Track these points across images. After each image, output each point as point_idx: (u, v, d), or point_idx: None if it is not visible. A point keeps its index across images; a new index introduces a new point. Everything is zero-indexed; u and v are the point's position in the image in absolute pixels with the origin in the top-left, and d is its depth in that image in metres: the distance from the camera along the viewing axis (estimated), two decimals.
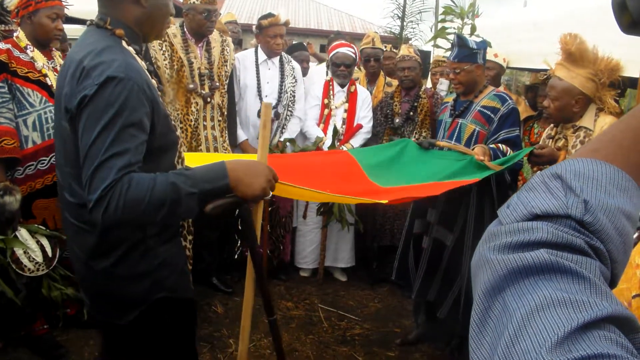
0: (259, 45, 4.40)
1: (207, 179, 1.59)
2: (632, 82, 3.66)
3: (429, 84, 5.40)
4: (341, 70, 4.43)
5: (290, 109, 4.38)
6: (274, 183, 1.77)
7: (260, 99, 4.28)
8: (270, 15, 4.28)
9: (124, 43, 1.70)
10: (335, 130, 4.24)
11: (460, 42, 3.16)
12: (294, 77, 4.42)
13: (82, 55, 1.58)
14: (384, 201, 2.49)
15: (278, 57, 4.40)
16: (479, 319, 0.58)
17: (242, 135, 4.31)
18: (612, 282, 0.61)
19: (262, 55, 4.36)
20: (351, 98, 4.45)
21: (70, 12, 3.47)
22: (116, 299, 1.77)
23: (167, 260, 1.80)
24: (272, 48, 4.27)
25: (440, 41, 5.13)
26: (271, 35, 4.24)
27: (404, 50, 4.41)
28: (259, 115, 4.21)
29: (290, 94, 4.35)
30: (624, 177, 0.63)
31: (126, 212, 1.47)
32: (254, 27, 4.41)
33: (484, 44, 3.28)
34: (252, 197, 1.70)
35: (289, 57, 4.58)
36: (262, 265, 1.96)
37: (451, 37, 5.02)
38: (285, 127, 4.37)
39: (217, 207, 1.61)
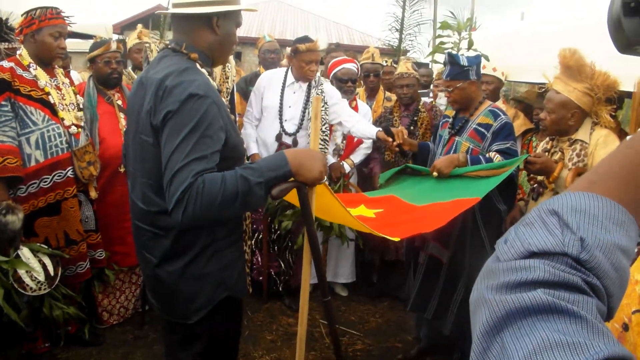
0: (291, 67, 4.18)
1: (270, 168, 1.79)
2: (629, 95, 3.68)
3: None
4: (348, 87, 4.40)
5: (323, 136, 4.09)
6: (327, 167, 1.96)
7: (281, 122, 4.11)
8: (307, 39, 4.03)
9: (197, 65, 1.91)
10: None
11: (452, 60, 3.20)
12: (324, 102, 4.09)
13: (162, 76, 1.80)
14: (396, 238, 2.53)
15: (307, 82, 4.16)
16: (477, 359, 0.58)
17: (253, 148, 4.20)
18: (609, 315, 0.61)
19: (290, 78, 4.16)
20: None
21: (74, 27, 3.51)
22: (186, 299, 1.94)
23: (231, 262, 2.01)
24: (306, 74, 4.03)
25: (438, 56, 5.16)
26: (306, 61, 3.99)
27: (402, 68, 4.44)
28: (276, 139, 4.11)
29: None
30: (621, 211, 0.63)
31: (204, 209, 1.66)
32: (288, 49, 4.18)
33: (477, 59, 3.30)
34: (312, 180, 1.89)
35: (321, 79, 4.30)
36: (319, 247, 2.17)
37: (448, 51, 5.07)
38: None
39: (282, 190, 1.82)
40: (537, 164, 2.85)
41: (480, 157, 3.09)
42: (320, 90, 4.13)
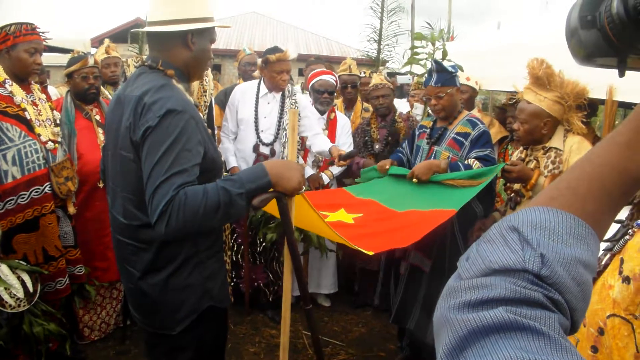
0: (263, 78, 4.24)
1: (250, 179, 1.83)
2: (602, 102, 3.77)
3: (407, 106, 5.49)
4: (324, 98, 4.44)
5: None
6: (305, 178, 2.02)
7: (257, 133, 4.14)
8: (277, 49, 4.07)
9: (174, 82, 1.96)
10: None
11: (439, 67, 3.24)
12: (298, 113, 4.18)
13: (140, 93, 1.85)
14: (370, 252, 2.54)
15: (280, 92, 4.22)
16: None
17: (232, 162, 4.23)
18: (573, 329, 0.62)
19: (263, 89, 4.20)
20: (331, 125, 4.50)
21: (52, 41, 3.49)
22: (170, 310, 1.97)
23: (214, 272, 2.05)
24: (278, 83, 4.09)
25: (414, 67, 5.23)
26: (277, 71, 4.03)
27: (376, 79, 4.51)
28: (254, 150, 4.13)
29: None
30: (581, 225, 0.64)
31: (187, 220, 1.70)
32: (259, 60, 4.21)
33: (457, 68, 3.38)
34: (292, 190, 1.94)
35: (294, 89, 4.39)
36: (299, 256, 2.21)
37: (423, 62, 5.14)
38: None
39: (262, 201, 1.86)
40: (514, 172, 2.89)
41: (459, 163, 3.14)
42: (294, 101, 4.19)
